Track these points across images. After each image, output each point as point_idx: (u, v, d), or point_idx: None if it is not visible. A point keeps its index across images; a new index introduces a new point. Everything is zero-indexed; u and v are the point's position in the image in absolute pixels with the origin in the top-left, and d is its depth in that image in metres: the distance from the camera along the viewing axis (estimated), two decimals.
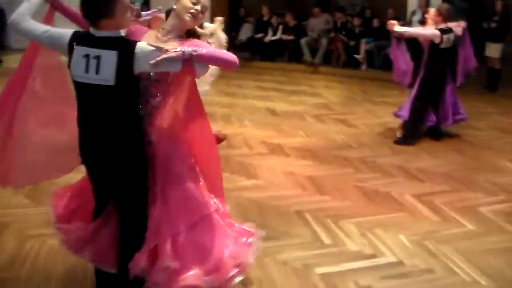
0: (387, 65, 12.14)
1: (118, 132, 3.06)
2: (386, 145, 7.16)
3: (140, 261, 3.12)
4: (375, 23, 13.14)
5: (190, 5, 3.20)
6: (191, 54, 2.87)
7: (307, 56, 13.35)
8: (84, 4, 2.93)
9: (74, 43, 2.98)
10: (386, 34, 12.47)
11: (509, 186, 5.77)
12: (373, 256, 4.25)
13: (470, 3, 11.29)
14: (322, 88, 10.83)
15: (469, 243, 4.52)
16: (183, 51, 2.87)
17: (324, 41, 13.37)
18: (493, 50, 10.80)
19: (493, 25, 10.69)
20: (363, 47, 12.84)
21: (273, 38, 14.11)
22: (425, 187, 5.69)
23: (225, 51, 3.28)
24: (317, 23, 13.65)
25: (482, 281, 3.95)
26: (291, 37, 13.93)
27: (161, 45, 2.97)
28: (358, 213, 5.01)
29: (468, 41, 7.51)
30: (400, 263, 4.16)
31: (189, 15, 3.19)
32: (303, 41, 13.47)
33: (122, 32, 3.08)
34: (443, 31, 6.92)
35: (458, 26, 7.13)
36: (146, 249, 3.14)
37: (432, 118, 7.27)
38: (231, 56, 3.06)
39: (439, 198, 5.39)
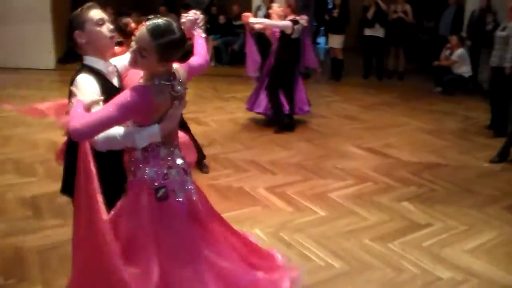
0: (235, 60, 12.33)
1: None
2: (237, 140, 7.20)
3: None
4: (221, 19, 13.24)
5: None
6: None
7: None
8: None
9: None
10: (232, 30, 12.71)
11: (355, 170, 6.03)
12: None
13: None
14: None
15: (321, 229, 4.65)
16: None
17: None
18: (335, 41, 11.30)
19: (335, 14, 11.21)
20: (211, 43, 12.87)
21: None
22: (277, 179, 5.78)
23: (79, 113, 2.56)
24: None
25: (335, 264, 4.08)
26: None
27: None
28: None
29: (308, 36, 7.84)
30: None
31: None
32: None
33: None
34: (294, 22, 7.14)
35: (302, 19, 7.36)
36: None
37: (285, 107, 7.47)
38: (74, 124, 2.49)
39: (291, 188, 5.50)
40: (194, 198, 2.94)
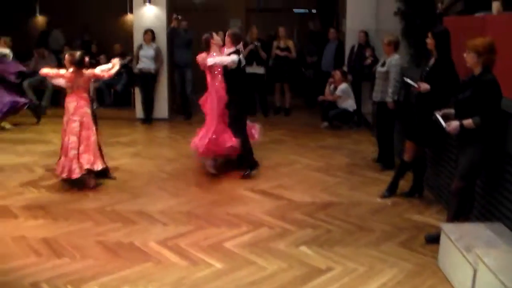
0: (118, 102, 11.91)
1: None
2: (123, 189, 6.79)
3: None
4: (102, 59, 12.77)
5: None
6: None
7: (32, 99, 12.39)
8: None
9: None
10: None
11: (249, 216, 5.84)
12: None
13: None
14: (51, 134, 10.00)
15: (219, 284, 4.41)
16: None
17: (50, 83, 12.55)
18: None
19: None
20: (92, 85, 12.34)
21: None
22: (168, 231, 5.45)
23: None
24: (43, 62, 12.77)
25: None
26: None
27: None
28: (101, 272, 4.56)
29: None
30: None
31: None
32: (26, 83, 12.49)
33: None
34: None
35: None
36: None
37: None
38: None
39: (184, 240, 5.20)
40: None
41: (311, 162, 8.04)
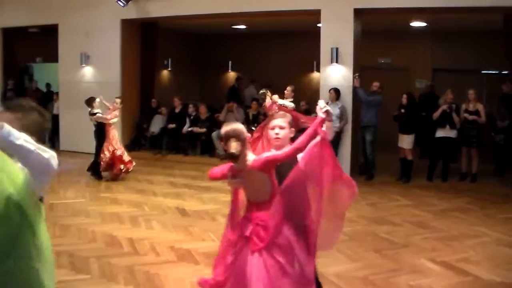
0: None
1: None
2: None
3: None
4: None
5: None
6: None
7: (219, 149, 13.05)
8: None
9: None
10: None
11: None
12: None
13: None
14: None
15: None
16: None
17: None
18: (405, 141, 10.94)
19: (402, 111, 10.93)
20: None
21: (189, 129, 13.78)
22: None
23: None
24: (231, 116, 13.48)
25: None
26: (203, 130, 13.68)
27: None
28: None
29: None
30: None
31: None
32: (214, 134, 13.22)
33: None
34: None
35: None
36: None
37: None
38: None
39: None
40: None
41: (501, 236, 7.40)
